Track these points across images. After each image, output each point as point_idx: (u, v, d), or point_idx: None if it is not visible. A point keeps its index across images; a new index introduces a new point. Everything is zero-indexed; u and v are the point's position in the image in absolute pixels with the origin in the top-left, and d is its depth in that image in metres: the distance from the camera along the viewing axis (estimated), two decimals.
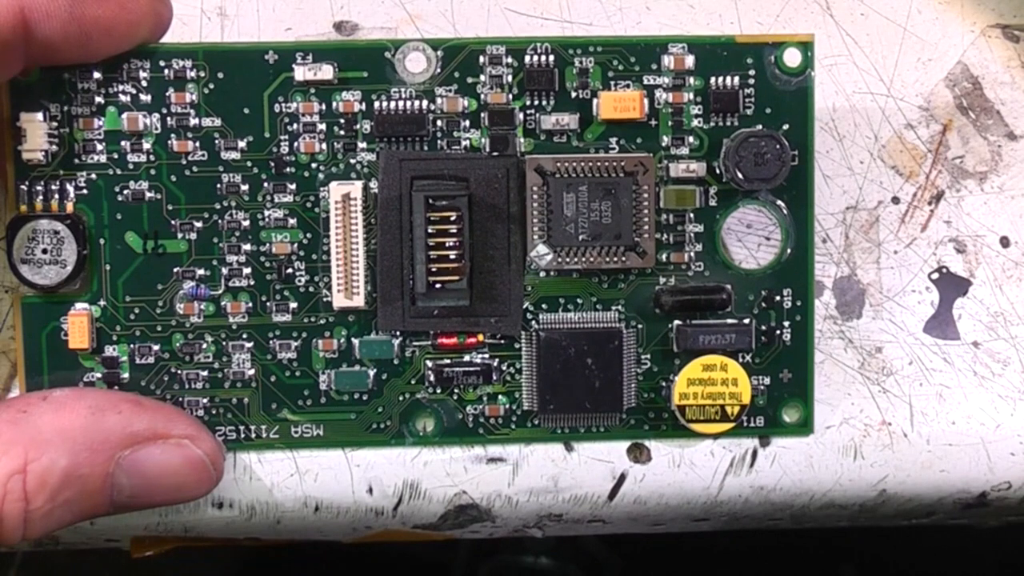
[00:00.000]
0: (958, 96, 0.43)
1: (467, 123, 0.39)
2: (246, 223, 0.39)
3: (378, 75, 0.39)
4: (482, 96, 0.39)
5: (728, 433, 0.41)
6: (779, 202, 0.40)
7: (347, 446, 0.41)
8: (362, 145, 0.39)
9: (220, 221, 0.39)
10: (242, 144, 0.39)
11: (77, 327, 0.39)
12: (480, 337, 0.40)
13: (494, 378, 0.40)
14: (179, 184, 0.39)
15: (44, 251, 0.39)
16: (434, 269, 0.39)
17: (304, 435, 0.41)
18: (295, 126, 0.39)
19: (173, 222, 0.39)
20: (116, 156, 0.39)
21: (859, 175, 0.43)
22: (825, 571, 0.76)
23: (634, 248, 0.39)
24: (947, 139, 0.43)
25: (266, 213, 0.39)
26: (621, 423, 0.41)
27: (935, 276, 0.43)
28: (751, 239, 0.40)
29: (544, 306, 0.40)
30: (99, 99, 0.39)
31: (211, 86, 0.39)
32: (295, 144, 0.39)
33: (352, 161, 0.39)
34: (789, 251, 0.40)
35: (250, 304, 0.40)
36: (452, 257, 0.39)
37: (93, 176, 0.39)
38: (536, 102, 0.39)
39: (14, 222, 0.39)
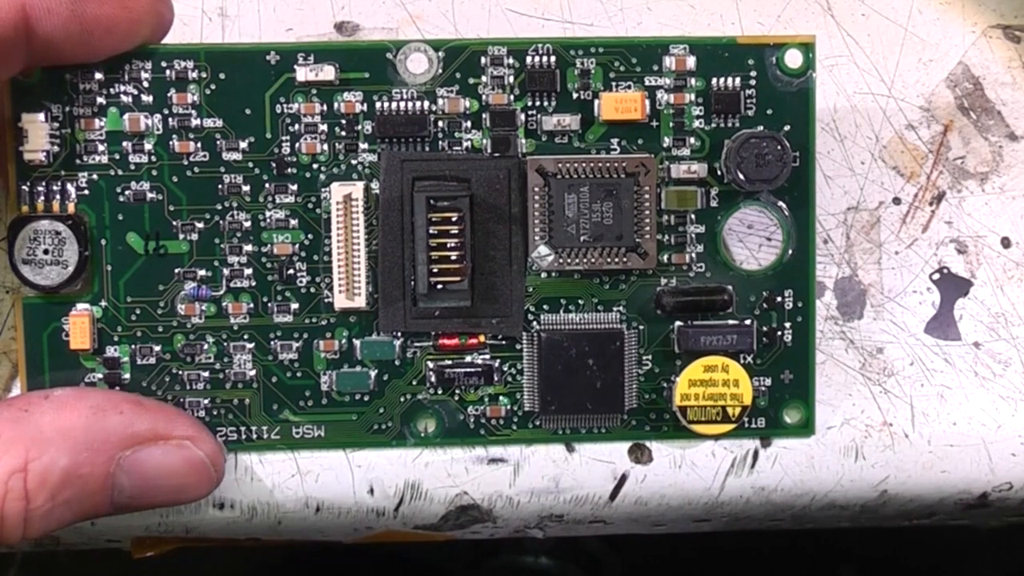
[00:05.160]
0: (959, 97, 0.43)
1: (468, 124, 0.39)
2: (247, 224, 0.39)
3: (379, 76, 0.39)
4: (483, 97, 0.39)
5: (729, 434, 0.41)
6: (780, 203, 0.40)
7: (348, 447, 0.41)
8: (363, 146, 0.39)
9: (221, 222, 0.39)
10: (243, 145, 0.39)
11: (78, 328, 0.39)
12: (481, 338, 0.40)
13: (495, 379, 0.40)
14: (180, 185, 0.39)
15: (45, 252, 0.39)
16: (435, 270, 0.39)
17: (305, 436, 0.41)
18: (296, 127, 0.39)
19: (174, 223, 0.39)
20: (117, 157, 0.39)
21: (860, 176, 0.43)
22: (825, 571, 0.76)
23: (635, 249, 0.39)
24: (948, 140, 0.43)
25: (267, 214, 0.39)
26: (622, 424, 0.41)
27: (936, 277, 0.43)
28: (752, 240, 0.40)
29: (545, 307, 0.40)
30: (101, 100, 0.39)
31: (212, 87, 0.39)
32: (296, 145, 0.39)
33: (353, 162, 0.39)
34: (790, 252, 0.40)
35: (251, 305, 0.40)
36: (453, 258, 0.39)
37: (94, 177, 0.39)
38: (537, 103, 0.39)
39: (15, 223, 0.39)
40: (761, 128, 0.39)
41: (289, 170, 0.39)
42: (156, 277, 0.40)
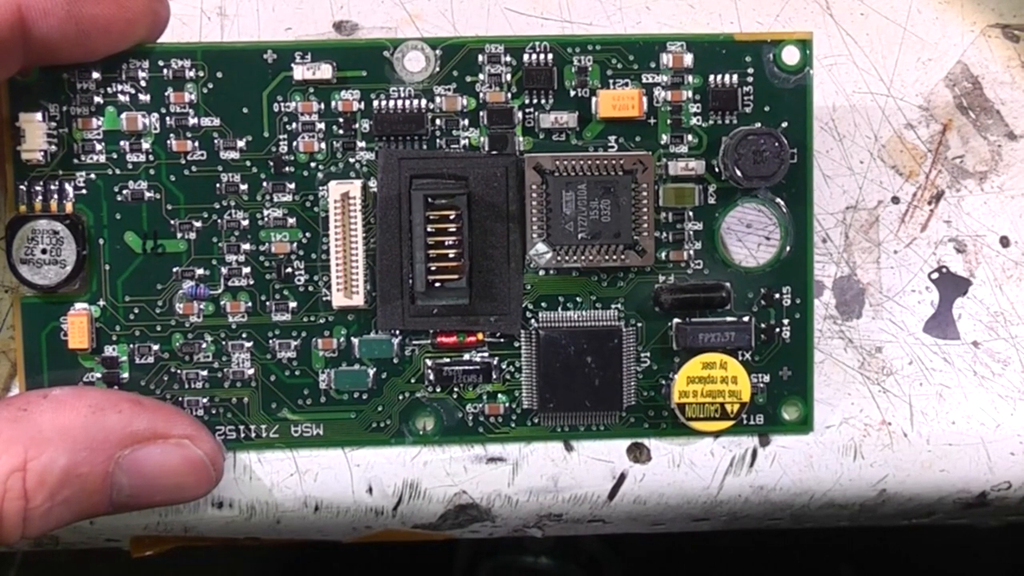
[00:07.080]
0: (958, 96, 0.43)
1: (466, 122, 0.39)
2: (245, 222, 0.39)
3: (377, 74, 0.39)
4: (481, 95, 0.39)
5: (728, 431, 0.40)
6: (778, 200, 0.40)
7: (347, 445, 0.41)
8: (361, 144, 0.39)
9: (219, 221, 0.39)
10: (241, 144, 0.39)
11: (77, 327, 0.39)
12: (479, 336, 0.40)
13: (494, 377, 0.40)
14: (178, 184, 0.39)
15: (43, 251, 0.39)
16: (433, 268, 0.39)
17: (304, 434, 0.41)
18: (294, 125, 0.39)
19: (172, 222, 0.39)
20: (115, 156, 0.39)
21: (859, 175, 0.43)
22: (825, 571, 0.75)
23: (633, 246, 0.39)
24: (947, 139, 0.43)
25: (265, 212, 0.39)
26: (621, 421, 0.41)
27: (935, 276, 0.43)
28: (751, 238, 0.40)
29: (543, 304, 0.40)
30: (98, 99, 0.39)
31: (210, 86, 0.39)
32: (294, 143, 0.39)
33: (351, 160, 0.39)
34: (788, 249, 0.40)
35: (249, 303, 0.40)
36: (451, 256, 0.39)
37: (92, 176, 0.39)
38: (535, 101, 0.39)
39: (13, 222, 0.39)
40: (759, 125, 0.39)
41: (287, 169, 0.39)
42: (154, 276, 0.40)
